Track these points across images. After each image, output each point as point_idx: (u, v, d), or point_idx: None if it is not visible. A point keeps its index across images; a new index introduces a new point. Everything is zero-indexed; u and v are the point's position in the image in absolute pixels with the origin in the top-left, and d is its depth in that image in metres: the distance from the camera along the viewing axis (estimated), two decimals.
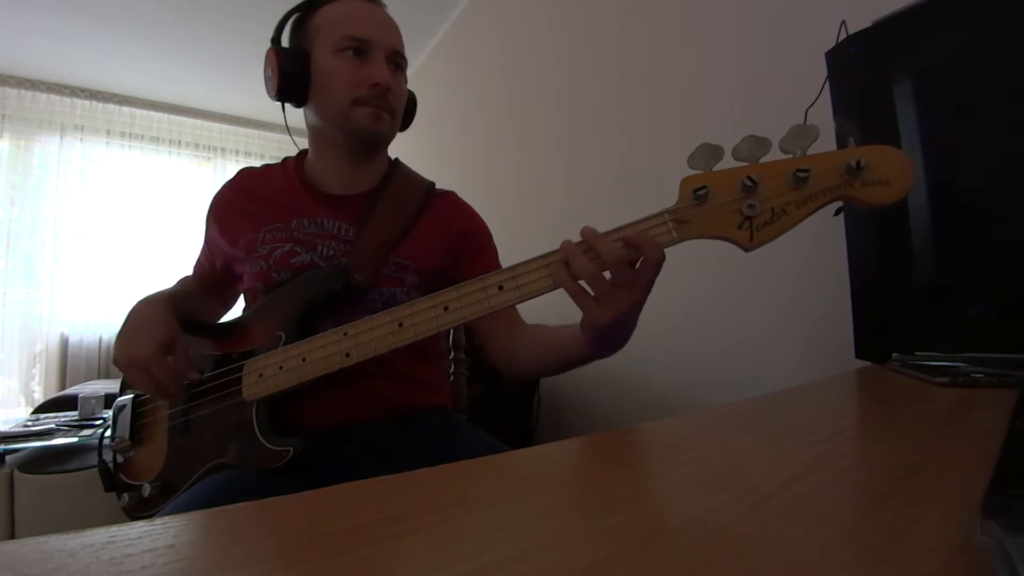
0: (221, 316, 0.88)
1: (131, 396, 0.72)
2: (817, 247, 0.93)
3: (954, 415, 0.44)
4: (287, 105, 0.74)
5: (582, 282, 0.49)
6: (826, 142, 0.47)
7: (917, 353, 0.64)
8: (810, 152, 0.46)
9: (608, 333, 0.53)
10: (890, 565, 0.20)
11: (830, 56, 0.74)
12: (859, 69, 0.70)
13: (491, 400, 1.42)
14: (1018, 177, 0.55)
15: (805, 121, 0.46)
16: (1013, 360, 0.54)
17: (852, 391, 0.61)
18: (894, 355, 0.66)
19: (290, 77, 0.69)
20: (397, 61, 0.72)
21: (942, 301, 0.62)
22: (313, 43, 0.70)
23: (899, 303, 0.66)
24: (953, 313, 0.61)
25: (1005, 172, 0.57)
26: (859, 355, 0.70)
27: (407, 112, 0.79)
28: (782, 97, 1.01)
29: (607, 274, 0.48)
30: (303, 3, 0.72)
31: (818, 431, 0.41)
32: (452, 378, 1.02)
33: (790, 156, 0.46)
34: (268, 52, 0.71)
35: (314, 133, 0.75)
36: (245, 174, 0.80)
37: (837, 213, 0.71)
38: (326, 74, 0.68)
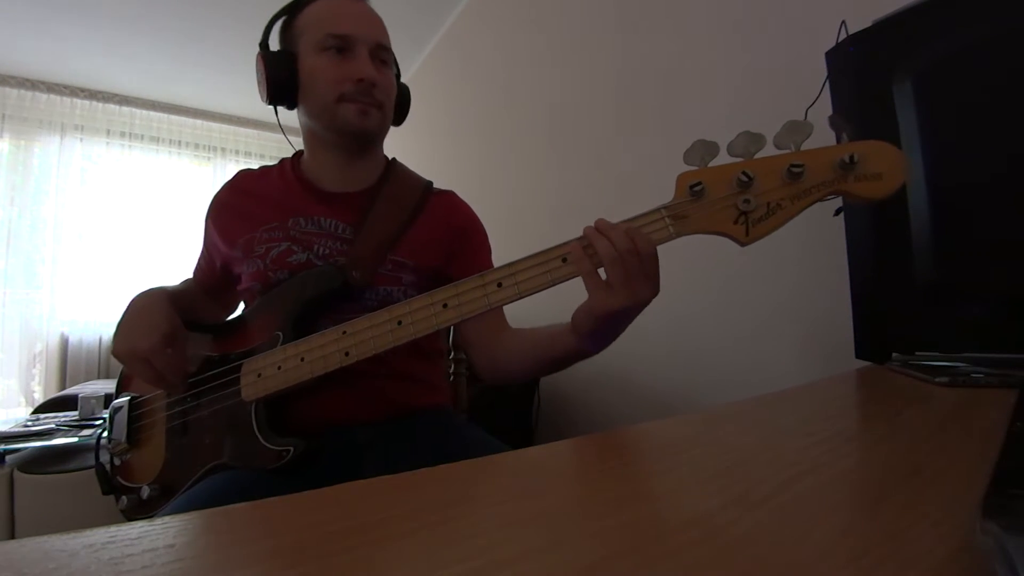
0: (221, 320, 0.88)
1: (127, 398, 0.72)
2: (817, 247, 0.93)
3: (954, 415, 0.44)
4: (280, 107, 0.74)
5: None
6: (826, 141, 0.47)
7: (917, 353, 0.64)
8: (804, 148, 0.46)
9: (607, 324, 0.53)
10: (890, 565, 0.20)
11: (830, 56, 0.73)
12: (859, 69, 0.70)
13: (491, 400, 1.42)
14: (1018, 177, 0.55)
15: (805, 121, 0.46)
16: (1013, 360, 0.54)
17: (852, 391, 0.61)
18: (894, 355, 0.66)
19: (278, 81, 0.69)
20: (382, 55, 0.71)
21: (942, 301, 0.61)
22: (298, 44, 0.70)
23: (899, 303, 0.66)
24: (953, 313, 0.61)
25: (1005, 172, 0.57)
26: (859, 355, 0.70)
27: (401, 106, 0.78)
28: (782, 97, 1.01)
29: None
30: (287, 6, 0.72)
31: (818, 431, 0.41)
32: (452, 378, 1.02)
33: (784, 152, 0.46)
34: (257, 57, 0.71)
35: (307, 133, 0.76)
36: (242, 175, 0.81)
37: (837, 213, 0.71)
38: (311, 74, 0.69)
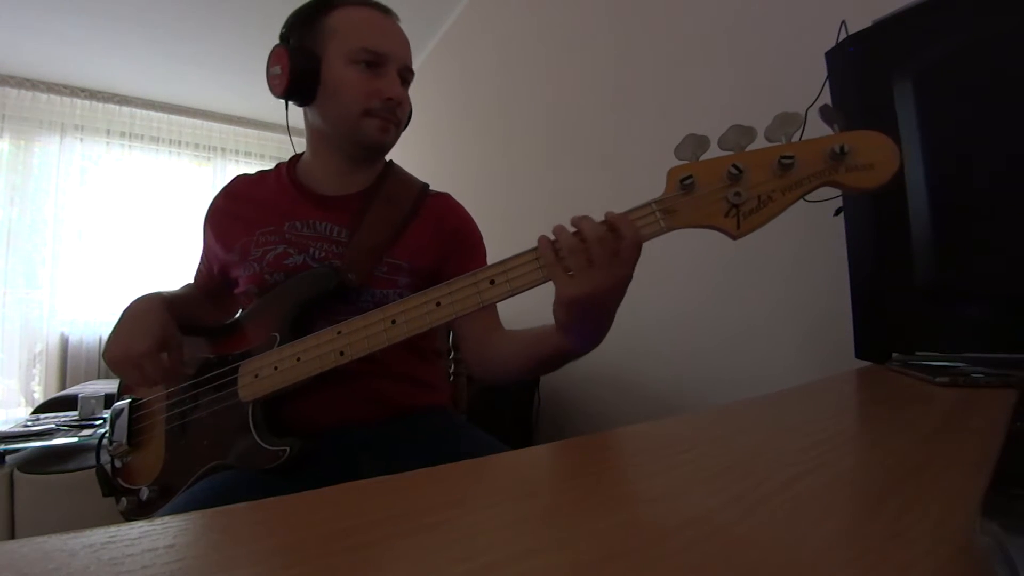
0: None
1: (128, 400, 0.72)
2: (817, 247, 0.93)
3: (954, 415, 0.44)
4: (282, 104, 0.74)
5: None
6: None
7: (917, 353, 0.64)
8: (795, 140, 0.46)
9: (577, 315, 0.52)
10: (890, 565, 0.20)
11: (830, 56, 0.73)
12: (859, 69, 0.70)
13: (491, 400, 1.42)
14: (1018, 177, 0.55)
15: (805, 122, 0.46)
16: (1013, 360, 0.54)
17: (852, 391, 0.61)
18: (894, 355, 0.66)
19: (300, 78, 0.69)
20: (406, 76, 0.73)
21: (942, 301, 0.61)
22: (326, 45, 0.69)
23: (899, 303, 0.66)
24: (953, 313, 0.61)
25: (1005, 172, 0.57)
26: (859, 355, 0.70)
27: None
28: (782, 97, 1.01)
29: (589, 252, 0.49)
30: (319, 1, 0.71)
31: (818, 431, 0.41)
32: (452, 378, 1.02)
33: (775, 144, 0.46)
34: (276, 49, 0.70)
35: (315, 134, 0.75)
36: (239, 180, 0.81)
37: (837, 213, 0.71)
38: (339, 82, 0.68)
